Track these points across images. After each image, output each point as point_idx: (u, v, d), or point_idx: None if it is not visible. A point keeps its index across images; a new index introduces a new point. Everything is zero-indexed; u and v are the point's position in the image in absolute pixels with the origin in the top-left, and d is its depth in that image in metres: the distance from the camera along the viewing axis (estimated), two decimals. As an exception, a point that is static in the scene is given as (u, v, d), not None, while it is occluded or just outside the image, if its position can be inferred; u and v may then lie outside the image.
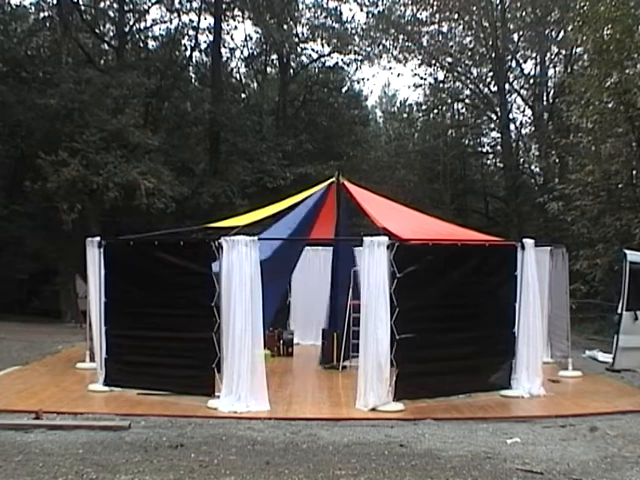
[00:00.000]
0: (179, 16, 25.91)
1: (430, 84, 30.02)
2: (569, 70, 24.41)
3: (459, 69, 28.41)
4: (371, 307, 8.15)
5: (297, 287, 13.94)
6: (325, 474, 5.76)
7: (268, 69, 29.68)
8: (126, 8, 24.77)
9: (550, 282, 10.93)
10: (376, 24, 27.27)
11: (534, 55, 27.06)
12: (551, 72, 27.91)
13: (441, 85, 30.14)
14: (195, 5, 25.70)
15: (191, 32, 26.26)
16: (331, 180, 11.64)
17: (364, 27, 27.52)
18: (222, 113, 23.64)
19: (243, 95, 29.44)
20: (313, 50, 27.80)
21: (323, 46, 27.18)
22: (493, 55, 26.37)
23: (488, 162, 32.72)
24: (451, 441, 6.86)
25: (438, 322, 8.53)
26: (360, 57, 27.92)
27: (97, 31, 25.09)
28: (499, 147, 29.36)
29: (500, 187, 30.19)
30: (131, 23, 25.44)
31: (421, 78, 29.38)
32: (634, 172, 17.57)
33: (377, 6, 27.25)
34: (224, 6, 25.35)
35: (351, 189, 11.35)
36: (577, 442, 6.89)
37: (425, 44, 27.79)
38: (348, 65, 28.74)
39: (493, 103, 27.57)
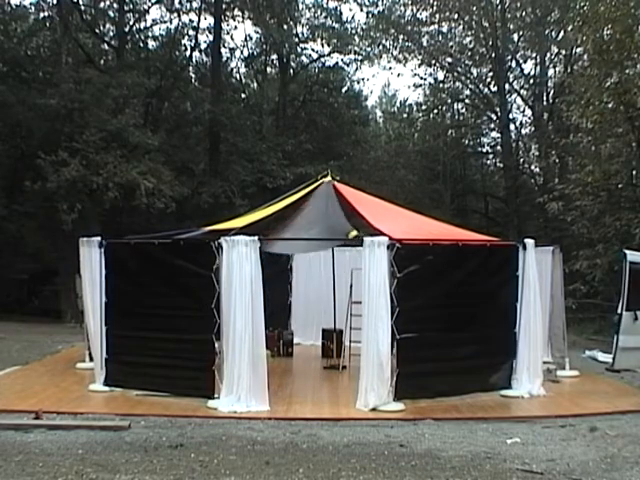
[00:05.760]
0: (179, 16, 25.92)
1: (430, 84, 30.05)
2: (569, 70, 24.38)
3: (459, 69, 28.39)
4: (371, 307, 8.15)
5: (297, 287, 13.94)
6: (325, 474, 5.76)
7: (268, 69, 29.63)
8: (126, 8, 24.73)
9: (551, 282, 10.93)
10: (376, 24, 27.25)
11: (534, 55, 27.02)
12: (551, 72, 27.93)
13: (441, 85, 30.13)
14: (195, 5, 25.72)
15: (191, 32, 26.30)
16: (321, 181, 11.24)
17: (364, 27, 27.51)
18: (222, 113, 23.61)
19: (243, 95, 29.41)
20: (313, 50, 27.79)
21: (323, 46, 27.16)
22: (493, 55, 26.35)
23: (488, 162, 32.74)
24: (451, 441, 6.86)
25: (439, 322, 8.54)
26: (360, 57, 27.90)
27: (97, 31, 25.07)
28: (499, 147, 29.33)
29: (500, 187, 30.17)
30: (131, 23, 25.42)
31: (421, 78, 29.47)
32: (634, 172, 17.58)
33: (377, 6, 27.26)
34: (224, 6, 25.33)
35: (342, 190, 11.06)
36: (577, 442, 6.90)
37: (425, 44, 27.78)
38: (348, 65, 28.73)
39: (493, 103, 27.55)
